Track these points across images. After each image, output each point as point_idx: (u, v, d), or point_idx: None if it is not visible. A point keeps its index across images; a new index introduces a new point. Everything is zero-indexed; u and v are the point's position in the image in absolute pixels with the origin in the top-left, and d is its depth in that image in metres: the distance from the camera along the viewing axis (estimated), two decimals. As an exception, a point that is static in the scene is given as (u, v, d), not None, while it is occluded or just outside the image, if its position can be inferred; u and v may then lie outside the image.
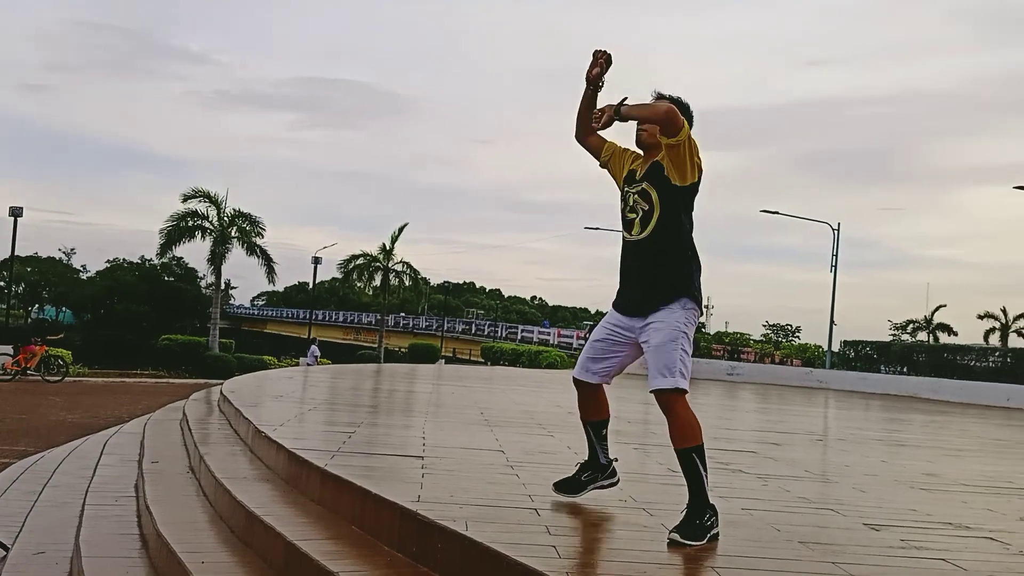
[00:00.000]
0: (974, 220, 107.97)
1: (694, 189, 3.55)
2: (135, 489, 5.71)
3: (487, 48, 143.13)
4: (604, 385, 3.77)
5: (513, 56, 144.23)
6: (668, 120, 3.39)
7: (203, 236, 41.23)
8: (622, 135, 3.77)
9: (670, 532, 3.24)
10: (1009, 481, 6.09)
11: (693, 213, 3.59)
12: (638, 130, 3.61)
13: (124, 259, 72.14)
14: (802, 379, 26.63)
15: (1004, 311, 55.89)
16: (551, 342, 51.53)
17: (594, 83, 3.63)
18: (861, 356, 29.15)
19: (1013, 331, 55.64)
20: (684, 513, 3.33)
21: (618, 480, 3.96)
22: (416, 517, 3.35)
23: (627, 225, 3.61)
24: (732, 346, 32.28)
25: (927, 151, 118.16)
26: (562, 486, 3.90)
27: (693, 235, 3.60)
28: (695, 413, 3.43)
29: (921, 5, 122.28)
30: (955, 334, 54.66)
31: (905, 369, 27.09)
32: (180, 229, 40.89)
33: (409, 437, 6.17)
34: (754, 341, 34.44)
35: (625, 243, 3.65)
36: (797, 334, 61.80)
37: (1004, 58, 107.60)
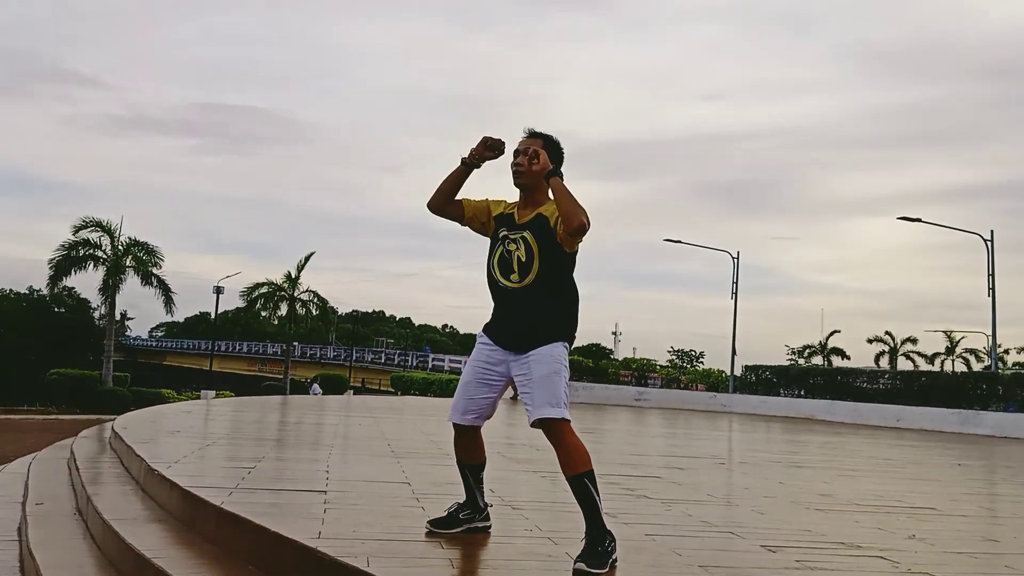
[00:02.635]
0: (860, 249, 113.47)
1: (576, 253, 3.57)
2: (18, 532, 5.38)
3: (387, 76, 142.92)
4: (480, 427, 3.77)
5: (413, 84, 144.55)
6: (576, 219, 3.37)
7: (96, 266, 39.66)
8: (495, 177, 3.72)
9: (575, 562, 3.24)
10: (899, 500, 6.35)
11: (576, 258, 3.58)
12: (517, 170, 3.55)
13: (10, 289, 68.64)
14: (707, 403, 27.34)
15: (891, 335, 58.83)
16: (463, 370, 51.31)
17: (473, 163, 3.59)
18: (762, 380, 30.11)
19: (901, 354, 58.59)
20: (584, 541, 3.33)
21: (491, 525, 3.89)
22: (316, 554, 3.26)
23: (504, 270, 3.58)
24: (639, 372, 32.85)
25: (814, 183, 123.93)
26: (437, 523, 3.82)
27: (573, 277, 3.60)
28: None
29: (805, 44, 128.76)
30: (848, 358, 57.16)
31: (802, 392, 28.10)
32: (71, 259, 39.23)
33: (313, 471, 6.01)
34: (660, 367, 35.19)
35: (499, 287, 3.60)
36: (701, 359, 63.38)
37: (884, 96, 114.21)
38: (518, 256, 3.54)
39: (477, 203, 3.72)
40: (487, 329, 3.68)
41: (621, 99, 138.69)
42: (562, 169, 3.58)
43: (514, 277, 3.55)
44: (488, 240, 3.71)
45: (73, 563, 4.28)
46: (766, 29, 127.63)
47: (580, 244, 3.53)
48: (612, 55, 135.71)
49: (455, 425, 3.76)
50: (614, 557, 3.32)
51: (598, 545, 3.29)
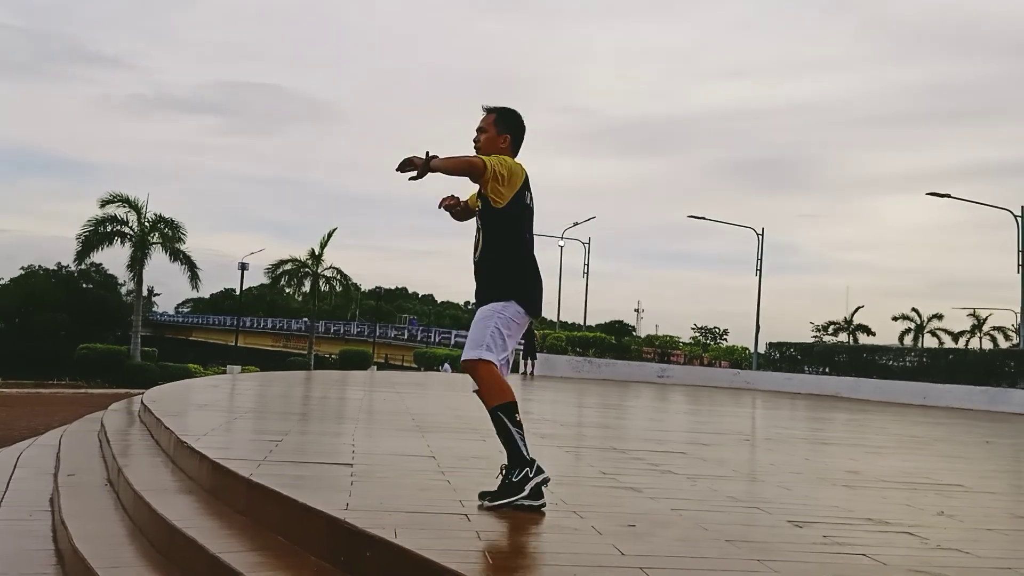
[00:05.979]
0: (886, 227, 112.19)
1: (512, 210, 3.87)
2: (50, 503, 5.49)
3: (411, 55, 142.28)
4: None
5: (437, 63, 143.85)
6: (469, 170, 3.78)
7: (123, 242, 40.08)
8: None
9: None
10: (926, 477, 6.30)
11: (521, 231, 3.93)
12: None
13: (40, 266, 69.59)
14: (730, 380, 27.23)
15: (918, 312, 58.21)
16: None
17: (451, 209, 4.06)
18: (786, 357, 29.90)
19: (928, 332, 58.01)
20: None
21: None
22: (344, 525, 3.28)
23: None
24: (662, 349, 32.72)
25: (840, 160, 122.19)
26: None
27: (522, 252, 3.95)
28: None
29: (834, 20, 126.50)
30: (873, 335, 56.69)
31: (827, 369, 27.90)
32: (98, 235, 39.63)
33: (339, 444, 6.07)
34: (683, 344, 35.00)
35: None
36: (725, 336, 63.10)
37: (911, 73, 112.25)
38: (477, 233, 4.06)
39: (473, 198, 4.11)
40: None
41: (647, 77, 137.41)
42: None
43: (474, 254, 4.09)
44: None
45: (105, 533, 4.36)
46: (792, 5, 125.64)
47: (506, 200, 3.85)
48: (638, 33, 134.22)
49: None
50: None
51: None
